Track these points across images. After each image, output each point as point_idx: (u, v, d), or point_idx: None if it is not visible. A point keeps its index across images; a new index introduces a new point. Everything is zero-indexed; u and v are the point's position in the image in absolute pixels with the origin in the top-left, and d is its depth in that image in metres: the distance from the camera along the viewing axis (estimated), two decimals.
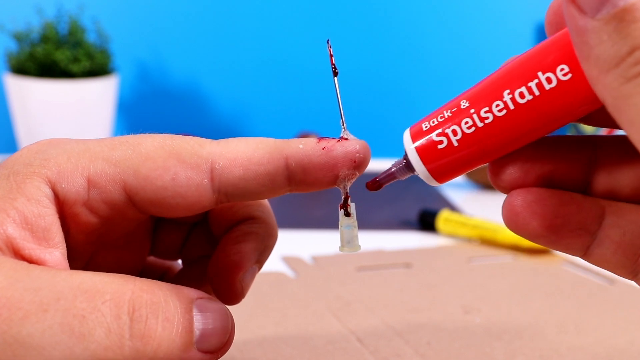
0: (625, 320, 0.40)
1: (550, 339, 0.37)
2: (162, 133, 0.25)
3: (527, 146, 0.21)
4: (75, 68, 0.76)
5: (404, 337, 0.37)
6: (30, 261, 0.20)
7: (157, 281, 0.20)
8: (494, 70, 0.21)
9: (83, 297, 0.19)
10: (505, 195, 0.22)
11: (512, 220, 0.21)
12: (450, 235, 0.58)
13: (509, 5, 0.97)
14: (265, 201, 0.26)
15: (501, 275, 0.48)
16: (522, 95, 0.20)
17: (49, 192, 0.21)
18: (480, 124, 0.20)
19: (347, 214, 0.24)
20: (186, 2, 0.94)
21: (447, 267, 0.50)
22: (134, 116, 0.95)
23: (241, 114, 0.97)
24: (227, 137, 0.85)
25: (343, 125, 0.23)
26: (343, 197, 0.23)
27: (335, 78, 0.23)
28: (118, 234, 0.24)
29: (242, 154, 0.22)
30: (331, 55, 0.23)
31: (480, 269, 0.50)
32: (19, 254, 0.20)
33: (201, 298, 0.21)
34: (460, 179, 0.79)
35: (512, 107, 0.20)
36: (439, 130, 0.21)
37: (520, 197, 0.21)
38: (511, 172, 0.21)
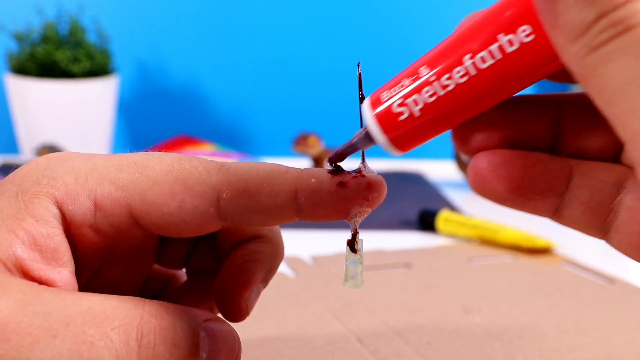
0: (625, 320, 0.40)
1: (550, 339, 0.38)
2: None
3: (490, 109, 0.20)
4: (75, 68, 0.76)
5: (404, 337, 0.37)
6: (40, 281, 0.20)
7: (165, 303, 0.20)
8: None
9: (92, 323, 0.19)
10: (469, 156, 0.21)
11: (478, 183, 0.21)
12: (450, 235, 0.58)
13: None
14: None
15: (501, 275, 0.48)
16: (483, 60, 0.19)
17: (56, 212, 0.21)
18: (441, 92, 0.20)
19: (354, 250, 0.23)
20: (186, 2, 0.94)
21: (447, 267, 0.50)
22: (134, 116, 0.95)
23: (241, 114, 0.97)
24: (227, 137, 0.85)
25: (362, 157, 0.23)
26: (352, 233, 0.23)
27: (361, 105, 0.22)
28: (124, 250, 0.24)
29: (251, 184, 0.21)
30: (360, 80, 0.23)
31: (480, 269, 0.50)
32: (28, 275, 0.20)
33: (208, 320, 0.21)
34: (460, 178, 0.79)
35: (473, 72, 0.19)
36: (400, 101, 0.20)
37: (486, 160, 0.20)
38: (475, 136, 0.21)
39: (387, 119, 0.21)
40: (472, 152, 0.21)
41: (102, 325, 0.19)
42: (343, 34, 0.96)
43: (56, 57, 0.75)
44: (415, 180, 0.78)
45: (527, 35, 0.18)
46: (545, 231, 0.56)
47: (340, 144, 0.23)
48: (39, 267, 0.20)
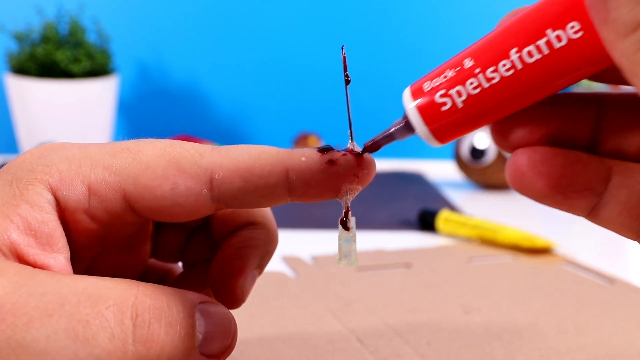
0: (625, 320, 0.40)
1: (550, 339, 0.38)
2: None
3: (533, 104, 0.20)
4: (75, 68, 0.76)
5: (404, 337, 0.37)
6: (35, 266, 0.20)
7: (160, 286, 0.21)
8: None
9: (87, 303, 0.19)
10: (507, 152, 0.21)
11: (517, 180, 0.20)
12: (450, 235, 0.58)
13: (509, 6, 0.97)
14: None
15: (501, 275, 0.48)
16: (530, 54, 0.19)
17: (50, 198, 0.21)
18: (486, 84, 0.20)
19: (347, 228, 0.23)
20: (186, 2, 0.94)
21: (447, 267, 0.50)
22: (134, 116, 0.95)
23: (241, 114, 0.97)
24: (227, 137, 0.86)
25: (351, 136, 0.23)
26: (344, 210, 0.23)
27: (347, 86, 0.22)
28: (119, 238, 0.24)
29: (243, 164, 0.21)
30: (345, 62, 0.23)
31: (480, 269, 0.50)
32: (23, 260, 0.20)
33: (204, 302, 0.21)
34: (460, 178, 0.79)
35: (519, 66, 0.19)
36: (442, 92, 0.20)
37: (526, 156, 0.20)
38: (516, 132, 0.21)
39: (429, 110, 0.20)
40: (511, 148, 0.21)
41: (97, 304, 0.19)
42: (343, 34, 0.96)
43: (56, 57, 0.75)
44: (415, 180, 0.78)
45: (576, 32, 0.18)
46: (545, 231, 0.56)
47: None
48: (34, 252, 0.20)
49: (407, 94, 0.21)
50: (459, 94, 0.20)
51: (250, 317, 0.39)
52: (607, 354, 0.36)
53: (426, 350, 0.36)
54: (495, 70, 0.19)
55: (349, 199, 0.23)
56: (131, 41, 0.92)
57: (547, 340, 0.37)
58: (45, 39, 0.77)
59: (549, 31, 0.18)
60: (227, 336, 0.21)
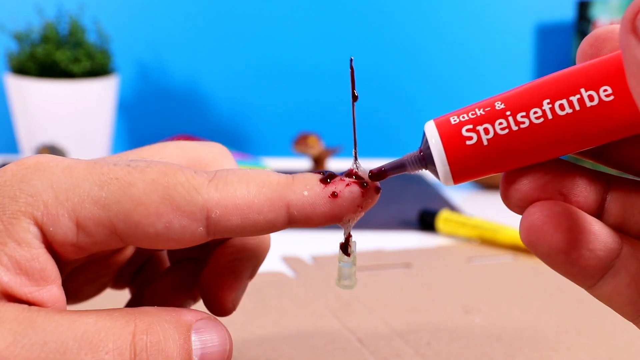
0: (625, 320, 0.40)
1: (550, 339, 0.38)
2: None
3: (548, 161, 0.20)
4: (75, 68, 0.76)
5: (404, 337, 0.37)
6: (29, 303, 0.20)
7: (155, 313, 0.21)
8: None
9: (87, 349, 0.19)
10: (509, 208, 0.21)
11: (532, 233, 0.20)
12: (450, 235, 0.58)
13: (509, 5, 0.97)
14: None
15: (501, 275, 0.48)
16: (562, 107, 0.19)
17: (37, 232, 0.20)
18: (515, 127, 0.20)
19: (347, 254, 0.23)
20: (186, 2, 0.94)
21: (447, 267, 0.50)
22: (134, 116, 0.95)
23: (241, 114, 0.97)
24: (227, 137, 0.85)
25: (355, 156, 0.22)
26: (345, 236, 0.22)
27: (354, 103, 0.22)
28: (106, 254, 0.25)
29: (241, 201, 0.20)
30: (353, 77, 0.22)
31: (480, 269, 0.50)
32: (16, 299, 0.20)
33: (200, 320, 0.21)
34: None
35: (550, 116, 0.19)
36: (470, 126, 0.20)
37: (545, 208, 0.20)
38: (528, 183, 0.20)
39: (453, 141, 0.20)
40: (519, 200, 0.21)
41: (97, 350, 0.19)
42: (343, 34, 0.96)
43: (56, 57, 0.75)
44: (415, 180, 0.78)
45: (608, 95, 0.19)
46: None
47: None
48: (27, 291, 0.20)
49: (431, 126, 0.21)
50: (486, 131, 0.20)
51: (250, 317, 0.39)
52: (607, 354, 0.36)
53: (426, 350, 0.36)
54: (526, 116, 0.20)
55: (351, 225, 0.22)
56: (131, 41, 0.92)
57: (547, 340, 0.37)
58: (45, 39, 0.77)
59: (582, 90, 0.19)
60: (223, 353, 0.21)
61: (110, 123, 0.82)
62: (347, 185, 0.21)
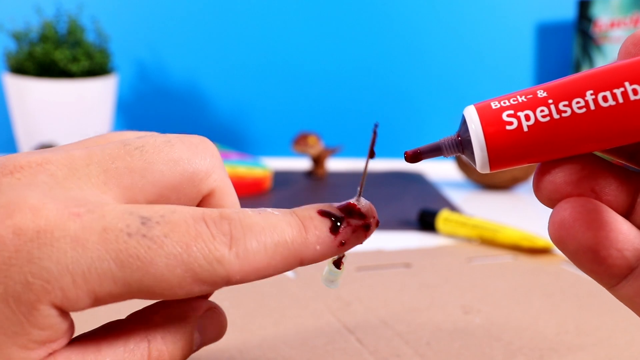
0: (625, 320, 0.40)
1: (550, 339, 0.37)
2: (161, 132, 0.24)
3: (586, 155, 0.20)
4: (74, 67, 0.76)
5: (404, 337, 0.37)
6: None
7: (164, 324, 0.22)
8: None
9: None
10: (540, 200, 0.21)
11: (561, 228, 0.20)
12: (450, 235, 0.58)
13: (510, 5, 0.97)
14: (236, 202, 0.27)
15: (501, 275, 0.48)
16: (605, 99, 0.19)
17: (56, 314, 0.20)
18: (556, 116, 0.20)
19: (338, 267, 0.24)
20: (186, 2, 0.94)
21: (447, 267, 0.50)
22: (133, 116, 0.95)
23: (241, 114, 0.97)
24: (227, 137, 0.85)
25: (359, 192, 0.23)
26: (338, 256, 0.24)
27: (369, 159, 0.23)
28: None
29: (260, 265, 0.21)
30: (374, 140, 0.23)
31: (480, 269, 0.50)
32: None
33: (201, 318, 0.23)
34: (460, 178, 0.79)
35: (592, 107, 0.19)
36: (511, 112, 0.20)
37: (578, 205, 0.20)
38: (563, 176, 0.20)
39: (493, 126, 0.20)
40: (550, 192, 0.21)
41: None
42: (343, 34, 0.96)
43: (55, 56, 0.75)
44: (415, 180, 0.78)
45: None
46: (546, 231, 0.56)
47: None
48: (52, 349, 0.20)
49: (471, 110, 0.21)
50: (527, 117, 0.20)
51: (250, 317, 0.39)
52: (607, 354, 0.36)
53: (426, 350, 0.36)
54: (568, 105, 0.20)
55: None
56: (130, 40, 0.92)
57: (547, 340, 0.37)
58: (44, 38, 0.77)
59: (627, 83, 0.19)
60: (218, 337, 0.24)
61: (109, 122, 0.82)
62: (354, 231, 0.23)
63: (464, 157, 0.21)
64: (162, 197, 0.23)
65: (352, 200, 0.23)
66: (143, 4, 0.93)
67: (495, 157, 0.20)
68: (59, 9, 0.80)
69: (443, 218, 0.58)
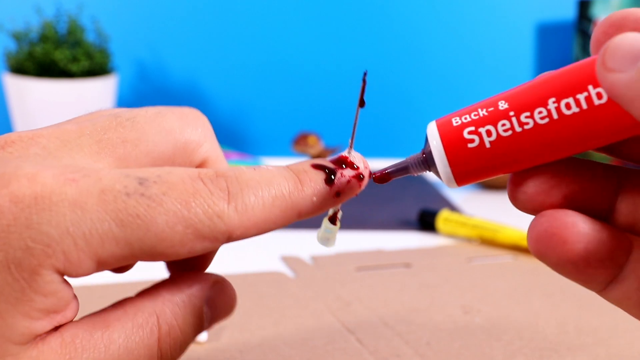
0: (625, 320, 0.40)
1: (550, 339, 0.37)
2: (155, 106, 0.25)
3: (555, 162, 0.20)
4: (74, 67, 0.76)
5: (404, 337, 0.37)
6: (57, 325, 0.20)
7: (169, 297, 0.22)
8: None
9: None
10: (518, 209, 0.21)
11: (541, 241, 0.20)
12: (450, 235, 0.58)
13: (510, 5, 0.97)
14: None
15: (501, 275, 0.48)
16: (568, 106, 0.18)
17: (59, 279, 0.20)
18: (518, 129, 0.19)
19: (334, 223, 0.24)
20: (186, 2, 0.93)
21: (447, 267, 0.50)
22: None
23: (241, 114, 0.97)
24: (227, 137, 0.85)
25: (351, 145, 0.23)
26: (334, 210, 0.24)
27: (359, 108, 0.23)
28: None
29: (260, 219, 0.21)
30: (363, 88, 0.23)
31: (480, 269, 0.50)
32: (50, 333, 0.20)
33: (210, 288, 0.23)
34: None
35: (555, 116, 0.19)
36: (472, 128, 0.19)
37: (554, 217, 0.20)
38: (534, 186, 0.20)
39: (455, 145, 0.20)
40: (526, 202, 0.21)
41: None
42: (343, 34, 0.96)
43: (55, 56, 0.75)
44: (415, 180, 0.78)
45: None
46: None
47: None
48: (56, 322, 0.20)
49: (432, 128, 0.20)
50: (489, 133, 0.19)
51: (250, 317, 0.39)
52: (607, 354, 0.36)
53: (426, 350, 0.35)
54: (530, 117, 0.19)
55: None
56: (130, 40, 0.92)
57: (547, 340, 0.37)
58: (44, 38, 0.77)
59: (590, 87, 0.18)
60: (229, 312, 0.23)
61: None
62: (348, 182, 0.22)
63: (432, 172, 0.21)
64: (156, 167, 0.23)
65: (344, 153, 0.23)
66: (143, 4, 0.93)
67: (460, 174, 0.20)
68: (59, 9, 0.79)
69: (443, 218, 0.58)
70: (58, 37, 0.77)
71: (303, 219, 0.22)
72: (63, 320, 0.20)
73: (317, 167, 0.22)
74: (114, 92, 0.81)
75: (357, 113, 0.23)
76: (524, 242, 0.53)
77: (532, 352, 0.36)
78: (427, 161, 0.21)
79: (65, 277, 0.20)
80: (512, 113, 0.19)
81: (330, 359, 0.34)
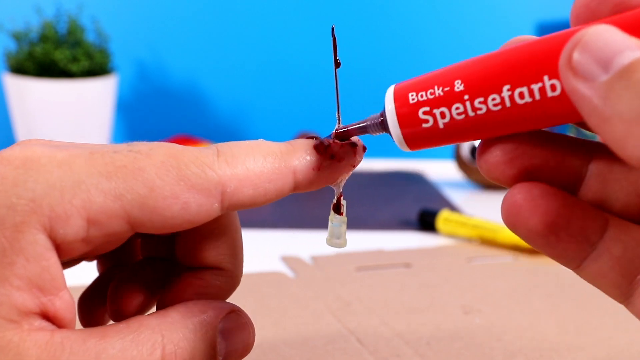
0: (625, 320, 0.40)
1: (550, 339, 0.37)
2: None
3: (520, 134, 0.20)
4: (74, 67, 0.76)
5: (404, 337, 0.37)
6: (44, 315, 0.19)
7: (181, 321, 0.21)
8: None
9: None
10: (487, 177, 0.21)
11: (511, 214, 0.20)
12: (450, 235, 0.58)
13: (510, 4, 0.97)
14: (240, 250, 0.24)
15: (501, 275, 0.48)
16: (521, 96, 0.18)
17: (46, 241, 0.19)
18: (471, 113, 0.19)
19: (340, 213, 0.24)
20: (186, 2, 0.93)
21: (447, 267, 0.50)
22: (133, 116, 0.95)
23: (241, 114, 0.97)
24: (227, 137, 0.85)
25: (339, 118, 0.24)
26: (336, 196, 0.24)
27: (336, 69, 0.23)
28: (101, 252, 0.23)
29: (252, 172, 0.21)
30: (335, 45, 0.23)
31: (480, 269, 0.50)
32: (31, 314, 0.19)
33: (224, 318, 0.21)
34: (460, 178, 0.79)
35: (508, 104, 0.19)
36: (426, 108, 0.20)
37: (524, 190, 0.20)
38: (496, 156, 0.20)
39: (409, 122, 0.20)
40: (490, 170, 0.21)
41: None
42: (343, 34, 0.96)
43: (55, 56, 0.75)
44: (415, 180, 0.78)
45: None
46: None
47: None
48: (40, 302, 0.19)
49: (390, 96, 0.21)
50: (443, 115, 0.20)
51: (250, 317, 0.39)
52: (607, 354, 0.36)
53: (426, 350, 0.35)
54: (484, 102, 0.19)
55: (341, 184, 0.23)
56: (130, 40, 0.92)
57: (547, 340, 0.37)
58: (44, 38, 0.77)
59: (545, 77, 0.18)
60: (246, 349, 0.22)
61: (109, 123, 0.82)
62: (341, 147, 0.23)
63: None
64: None
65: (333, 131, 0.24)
66: (143, 4, 0.93)
67: (413, 144, 0.21)
68: (59, 9, 0.79)
69: (443, 218, 0.58)
70: (58, 37, 0.77)
71: (301, 184, 0.22)
72: (50, 308, 0.19)
73: (306, 137, 0.23)
74: (114, 92, 0.81)
75: (335, 77, 0.23)
76: (524, 242, 0.53)
77: (532, 352, 0.36)
78: (385, 125, 0.21)
79: (63, 263, 0.19)
80: (466, 97, 0.19)
81: (330, 359, 0.34)
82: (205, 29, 0.94)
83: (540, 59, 0.18)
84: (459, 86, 0.19)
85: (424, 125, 0.20)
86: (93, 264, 0.27)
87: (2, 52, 0.80)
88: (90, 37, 0.80)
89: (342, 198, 0.24)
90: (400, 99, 0.21)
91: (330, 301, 0.42)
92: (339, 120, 0.24)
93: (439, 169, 0.83)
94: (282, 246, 0.52)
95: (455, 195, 0.72)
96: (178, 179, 0.20)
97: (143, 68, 0.94)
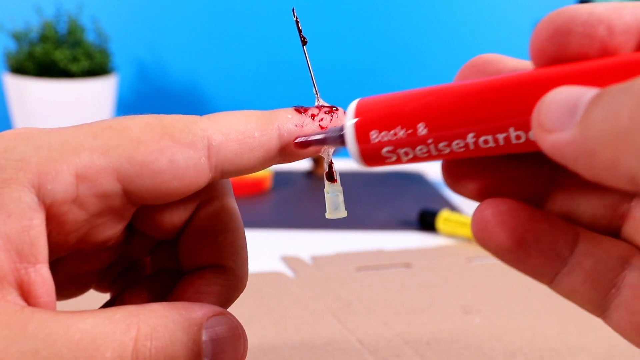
0: None
1: (550, 339, 0.37)
2: None
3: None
4: (74, 67, 0.76)
5: (404, 337, 0.37)
6: (18, 284, 0.19)
7: (161, 310, 0.19)
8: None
9: (83, 358, 0.18)
10: (453, 191, 0.21)
11: (480, 229, 0.20)
12: (450, 235, 0.58)
13: (509, 5, 0.97)
14: (242, 248, 0.24)
15: (501, 275, 0.48)
16: (486, 142, 0.19)
17: (31, 200, 0.18)
18: (434, 153, 0.19)
19: (333, 180, 0.24)
20: (186, 2, 0.94)
21: (447, 267, 0.50)
22: None
23: None
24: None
25: (316, 93, 0.24)
26: (327, 164, 0.24)
27: (304, 47, 0.23)
28: (97, 239, 0.22)
29: (236, 127, 0.21)
30: (298, 24, 0.23)
31: (480, 269, 0.50)
32: (5, 280, 0.18)
33: (212, 317, 0.20)
34: None
35: (472, 148, 0.19)
36: (390, 148, 0.20)
37: (492, 206, 0.20)
38: (458, 172, 0.21)
39: (372, 157, 0.20)
40: (453, 186, 0.21)
41: (95, 359, 0.18)
42: (343, 34, 0.96)
43: (55, 56, 0.75)
44: (415, 180, 0.78)
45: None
46: None
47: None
48: (15, 268, 0.18)
49: (350, 121, 0.21)
50: (406, 154, 0.20)
51: (250, 317, 0.39)
52: (607, 354, 0.36)
53: (426, 350, 0.35)
54: (448, 145, 0.19)
55: (330, 152, 0.23)
56: (130, 41, 0.92)
57: (547, 340, 0.37)
58: (44, 38, 0.77)
59: (511, 130, 0.18)
60: (236, 352, 0.21)
61: None
62: (320, 109, 0.23)
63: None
64: None
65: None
66: (143, 4, 0.93)
67: (372, 165, 0.21)
68: (59, 9, 0.80)
69: (443, 218, 0.58)
70: (58, 37, 0.78)
71: (286, 140, 0.22)
72: (25, 278, 0.18)
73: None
74: (114, 92, 0.81)
75: (305, 55, 0.24)
76: None
77: (532, 352, 0.36)
78: (343, 141, 0.22)
79: (52, 222, 0.19)
80: (430, 141, 0.19)
81: (330, 359, 0.34)
82: (205, 29, 0.94)
83: (509, 107, 0.18)
84: (422, 130, 0.19)
85: (388, 160, 0.20)
86: (106, 296, 0.27)
87: (2, 52, 0.80)
88: (90, 37, 0.80)
89: (333, 165, 0.24)
90: (362, 135, 0.20)
91: (330, 301, 0.42)
92: (317, 95, 0.24)
93: (439, 169, 0.83)
94: (282, 246, 0.52)
95: (455, 195, 0.72)
96: (163, 134, 0.20)
97: (143, 68, 0.94)
